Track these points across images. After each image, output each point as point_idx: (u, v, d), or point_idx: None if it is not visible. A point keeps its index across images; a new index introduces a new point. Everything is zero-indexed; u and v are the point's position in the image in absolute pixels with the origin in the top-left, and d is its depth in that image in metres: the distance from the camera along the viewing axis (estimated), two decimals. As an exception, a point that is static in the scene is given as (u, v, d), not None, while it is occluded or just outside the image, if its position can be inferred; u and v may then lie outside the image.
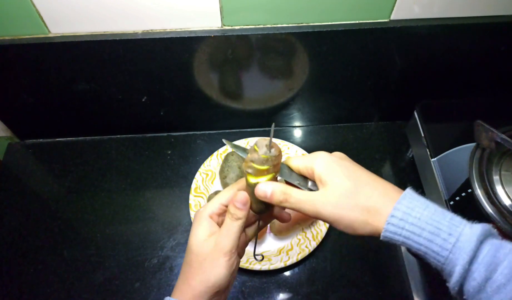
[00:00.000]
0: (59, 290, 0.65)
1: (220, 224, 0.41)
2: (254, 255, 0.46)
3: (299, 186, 0.40)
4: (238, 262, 0.41)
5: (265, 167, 0.37)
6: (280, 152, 0.38)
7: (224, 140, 0.43)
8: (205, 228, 0.40)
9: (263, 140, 0.37)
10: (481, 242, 0.32)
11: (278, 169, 0.39)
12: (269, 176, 0.38)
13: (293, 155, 0.76)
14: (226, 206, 0.41)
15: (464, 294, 0.33)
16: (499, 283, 0.31)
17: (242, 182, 0.41)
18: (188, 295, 0.38)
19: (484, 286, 0.31)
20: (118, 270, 0.66)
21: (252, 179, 0.38)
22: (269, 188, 0.38)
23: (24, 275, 0.66)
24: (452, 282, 0.33)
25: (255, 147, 0.37)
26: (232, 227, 0.39)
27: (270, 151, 0.37)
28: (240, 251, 0.41)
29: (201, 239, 0.39)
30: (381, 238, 0.35)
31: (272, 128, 0.39)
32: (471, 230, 0.33)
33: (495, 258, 0.32)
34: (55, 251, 0.68)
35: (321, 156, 0.38)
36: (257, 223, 0.43)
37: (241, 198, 0.39)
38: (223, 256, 0.38)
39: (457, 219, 0.34)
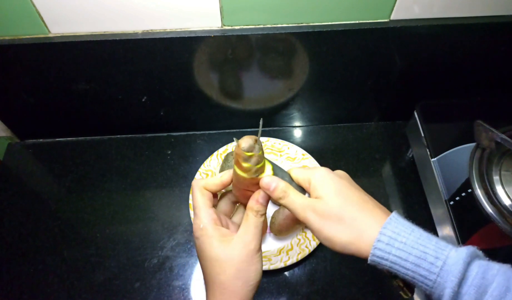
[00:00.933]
0: (59, 290, 0.65)
1: (225, 226, 0.42)
2: None
3: None
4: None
5: (248, 165, 0.39)
6: (261, 150, 0.39)
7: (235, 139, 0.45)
8: (220, 238, 0.40)
9: (249, 138, 0.39)
10: (468, 264, 0.32)
11: (260, 165, 0.40)
12: (255, 168, 0.39)
13: (293, 155, 0.76)
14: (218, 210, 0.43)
15: None
16: None
17: (224, 177, 0.43)
18: (234, 299, 0.39)
19: None
20: (118, 270, 0.66)
21: (239, 172, 0.40)
22: (274, 183, 0.40)
23: (24, 275, 0.66)
24: None
25: (240, 144, 0.39)
26: (258, 223, 0.40)
27: (254, 148, 0.38)
28: None
29: (222, 247, 0.39)
30: (368, 262, 0.36)
31: (261, 123, 0.40)
32: (457, 253, 0.33)
33: (484, 280, 0.32)
34: (55, 251, 0.69)
35: (320, 170, 0.40)
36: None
37: (263, 195, 0.41)
38: (256, 252, 0.39)
39: (443, 243, 0.34)
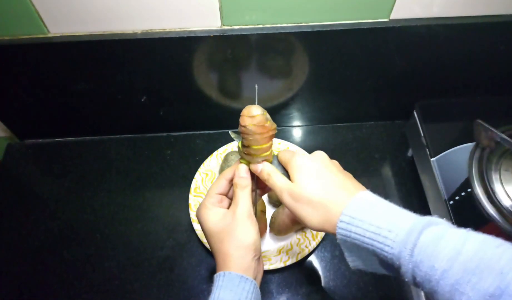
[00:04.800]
0: (59, 290, 0.65)
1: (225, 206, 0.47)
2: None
3: None
4: (258, 229, 0.47)
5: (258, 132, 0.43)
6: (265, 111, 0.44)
7: (230, 132, 0.49)
8: (215, 212, 0.45)
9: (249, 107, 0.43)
10: (419, 233, 0.34)
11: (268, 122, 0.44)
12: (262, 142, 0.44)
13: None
14: (222, 194, 0.48)
15: (418, 285, 0.35)
16: (442, 270, 0.32)
17: (227, 173, 0.48)
18: (233, 263, 0.42)
19: (429, 274, 0.33)
20: (118, 270, 0.66)
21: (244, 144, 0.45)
22: (259, 167, 0.45)
23: (24, 275, 0.66)
24: (403, 275, 0.35)
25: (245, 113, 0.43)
26: (243, 194, 0.45)
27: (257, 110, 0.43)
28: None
29: (216, 219, 0.45)
30: (337, 241, 0.40)
31: (256, 88, 0.45)
32: (411, 224, 0.35)
33: (437, 246, 0.33)
34: (54, 251, 0.68)
35: (297, 156, 0.44)
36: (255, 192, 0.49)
37: (242, 168, 0.46)
38: (247, 218, 0.44)
39: (403, 215, 0.37)
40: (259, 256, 0.45)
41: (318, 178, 0.42)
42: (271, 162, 0.46)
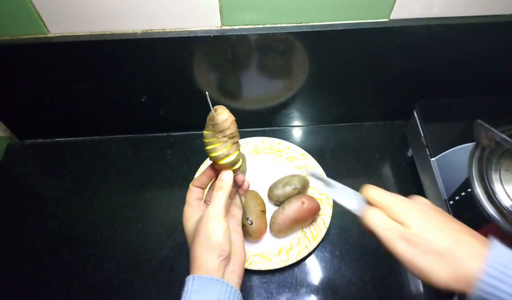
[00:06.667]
0: (59, 290, 0.65)
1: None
2: (246, 218, 0.55)
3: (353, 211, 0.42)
4: (241, 233, 0.48)
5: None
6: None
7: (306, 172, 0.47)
8: (192, 210, 0.47)
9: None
10: None
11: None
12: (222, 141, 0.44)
13: (293, 155, 0.76)
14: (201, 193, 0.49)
15: None
16: None
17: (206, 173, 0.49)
18: (199, 264, 0.42)
19: None
20: (118, 270, 0.66)
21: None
22: (363, 213, 0.40)
23: (24, 275, 0.66)
24: None
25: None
26: (218, 195, 0.44)
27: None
28: (237, 227, 0.48)
29: (195, 220, 0.45)
30: (472, 298, 0.32)
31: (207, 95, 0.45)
32: None
33: None
34: (54, 251, 0.68)
35: (398, 197, 0.38)
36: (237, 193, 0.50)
37: (226, 173, 0.46)
38: (215, 218, 0.43)
39: None
40: (228, 258, 0.43)
41: (436, 222, 0.35)
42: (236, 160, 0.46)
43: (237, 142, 0.46)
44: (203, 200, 0.49)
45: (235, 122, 0.45)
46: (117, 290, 0.65)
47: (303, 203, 0.65)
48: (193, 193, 0.48)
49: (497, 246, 0.33)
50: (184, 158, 0.79)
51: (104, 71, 0.68)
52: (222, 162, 0.45)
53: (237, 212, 0.50)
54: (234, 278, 0.44)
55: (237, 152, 0.46)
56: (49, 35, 0.62)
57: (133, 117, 0.79)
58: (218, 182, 0.46)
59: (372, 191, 0.40)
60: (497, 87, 0.77)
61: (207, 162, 0.75)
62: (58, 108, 0.76)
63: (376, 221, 0.37)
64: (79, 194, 0.75)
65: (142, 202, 0.74)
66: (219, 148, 0.44)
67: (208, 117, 0.45)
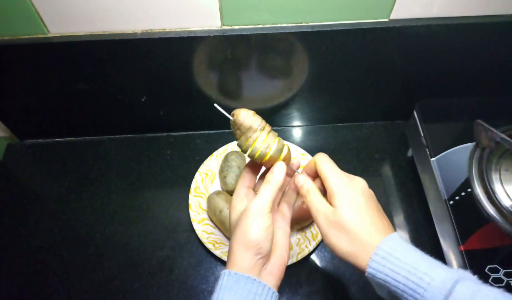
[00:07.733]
0: (59, 290, 0.65)
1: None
2: None
3: None
4: (288, 233, 0.47)
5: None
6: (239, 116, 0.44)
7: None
8: (239, 199, 0.46)
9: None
10: (456, 282, 0.35)
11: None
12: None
13: (293, 155, 0.76)
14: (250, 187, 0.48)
15: None
16: None
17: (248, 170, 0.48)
18: (235, 259, 0.41)
19: None
20: (118, 270, 0.66)
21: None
22: (301, 181, 0.46)
23: (24, 275, 0.66)
24: None
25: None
26: (265, 188, 0.43)
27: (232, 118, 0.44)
28: (286, 226, 0.48)
29: (239, 210, 0.44)
30: (365, 274, 0.40)
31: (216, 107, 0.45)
32: (446, 272, 0.36)
33: (473, 299, 0.34)
34: (54, 251, 0.68)
35: (339, 179, 0.43)
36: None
37: (279, 165, 0.44)
38: (256, 213, 0.41)
39: (435, 263, 0.37)
40: (266, 257, 0.42)
41: (360, 213, 0.41)
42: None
43: (271, 130, 0.44)
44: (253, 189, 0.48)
45: (256, 114, 0.44)
46: (117, 290, 0.65)
47: (303, 203, 0.65)
48: (244, 180, 0.46)
49: (394, 235, 0.40)
50: (184, 158, 0.79)
51: (104, 71, 0.68)
52: (268, 155, 0.43)
53: (287, 210, 0.48)
54: (271, 280, 0.42)
55: (277, 139, 0.44)
56: (49, 35, 0.62)
57: (133, 117, 0.79)
58: (268, 174, 0.44)
59: (320, 158, 0.45)
60: (497, 87, 0.77)
61: (207, 162, 0.75)
62: (58, 108, 0.76)
63: (312, 197, 0.44)
64: (79, 194, 0.75)
65: (142, 202, 0.74)
66: (258, 145, 0.43)
67: (231, 126, 0.44)
